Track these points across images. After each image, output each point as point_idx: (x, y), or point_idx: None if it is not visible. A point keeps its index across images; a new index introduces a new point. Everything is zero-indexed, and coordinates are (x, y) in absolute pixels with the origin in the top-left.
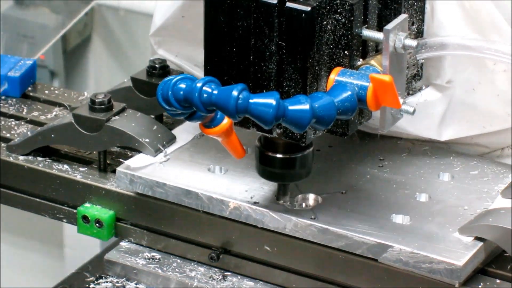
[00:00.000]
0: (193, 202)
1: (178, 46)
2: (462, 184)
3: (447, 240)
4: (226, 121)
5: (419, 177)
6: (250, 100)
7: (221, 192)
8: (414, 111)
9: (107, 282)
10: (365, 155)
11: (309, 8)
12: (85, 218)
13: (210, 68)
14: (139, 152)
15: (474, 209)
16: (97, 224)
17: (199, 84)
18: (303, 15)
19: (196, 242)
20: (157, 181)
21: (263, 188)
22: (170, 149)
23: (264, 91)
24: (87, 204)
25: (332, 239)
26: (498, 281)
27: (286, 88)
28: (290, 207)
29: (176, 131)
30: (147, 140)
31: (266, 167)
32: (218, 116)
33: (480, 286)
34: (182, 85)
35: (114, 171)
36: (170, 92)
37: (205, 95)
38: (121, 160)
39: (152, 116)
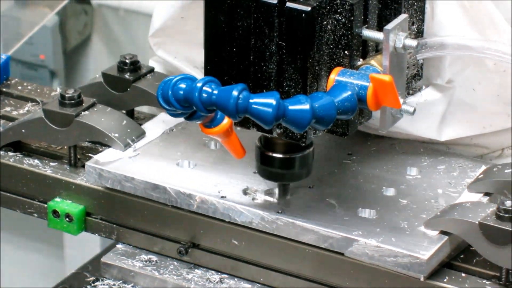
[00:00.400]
0: (161, 197)
1: (177, 47)
2: (429, 179)
3: (412, 234)
4: (226, 121)
5: (386, 172)
6: (250, 100)
7: (189, 186)
8: (414, 111)
9: (103, 284)
10: (334, 149)
11: (309, 8)
12: (55, 212)
13: (210, 68)
14: (109, 147)
15: (440, 203)
16: (67, 219)
17: (199, 84)
18: (303, 15)
19: (165, 236)
20: (126, 175)
21: (231, 182)
22: (139, 144)
23: (264, 91)
24: (57, 199)
25: (298, 233)
26: (463, 274)
27: (286, 88)
28: (257, 201)
29: (146, 126)
30: (116, 134)
31: (266, 167)
32: (218, 116)
33: (445, 280)
34: (182, 85)
35: (84, 166)
36: (170, 92)
37: (205, 95)
38: (91, 155)
39: (123, 112)
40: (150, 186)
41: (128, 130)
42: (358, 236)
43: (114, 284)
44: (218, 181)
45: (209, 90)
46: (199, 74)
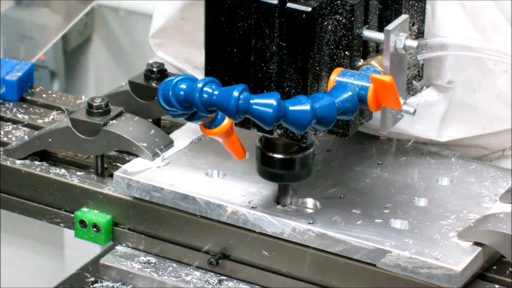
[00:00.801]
0: (191, 207)
1: (177, 48)
2: (461, 189)
3: (445, 245)
4: (226, 121)
5: (417, 181)
6: (251, 101)
7: (219, 196)
8: (414, 111)
9: (102, 286)
10: (364, 158)
11: (309, 9)
12: (82, 222)
13: (211, 68)
14: (137, 156)
15: (473, 214)
16: (94, 229)
17: (199, 85)
18: (304, 15)
19: (194, 247)
20: (154, 185)
21: (261, 192)
22: (167, 153)
23: (265, 91)
24: (84, 209)
25: (330, 244)
26: (496, 286)
27: (287, 89)
28: (288, 211)
29: (174, 135)
30: (144, 144)
31: (266, 168)
32: (218, 117)
33: None
34: (183, 86)
35: (111, 176)
36: (170, 93)
37: (205, 96)
38: (118, 164)
39: (150, 120)
40: (179, 197)
41: (156, 139)
42: (391, 247)
43: (113, 286)
44: (248, 191)
45: (210, 90)
46: (199, 74)
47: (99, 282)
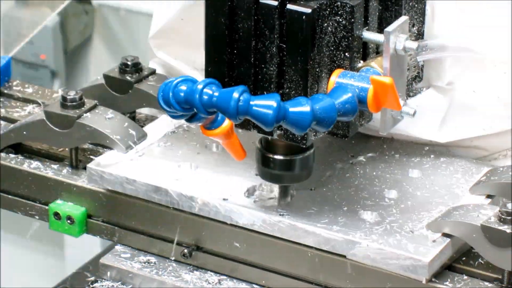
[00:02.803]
0: (163, 199)
1: (178, 49)
2: (431, 181)
3: (414, 236)
4: (226, 123)
5: (388, 174)
6: (251, 102)
7: (191, 188)
8: (414, 113)
9: (102, 286)
10: (336, 152)
11: (309, 10)
12: (56, 214)
13: (211, 70)
14: (110, 149)
15: (442, 206)
16: (68, 221)
17: (200, 86)
18: (304, 17)
19: (167, 239)
20: (127, 177)
21: (233, 184)
22: (141, 146)
23: (265, 93)
24: (58, 201)
25: (300, 235)
26: (465, 277)
27: (287, 90)
28: (258, 203)
29: (147, 128)
30: (118, 137)
31: (266, 169)
32: (218, 118)
33: (447, 282)
34: (183, 87)
35: (85, 168)
36: (171, 94)
37: (205, 97)
38: (92, 157)
39: (127, 114)
40: (151, 188)
41: (130, 132)
42: (360, 239)
43: (112, 286)
44: (220, 183)
45: (210, 92)
46: (199, 75)
47: (99, 281)
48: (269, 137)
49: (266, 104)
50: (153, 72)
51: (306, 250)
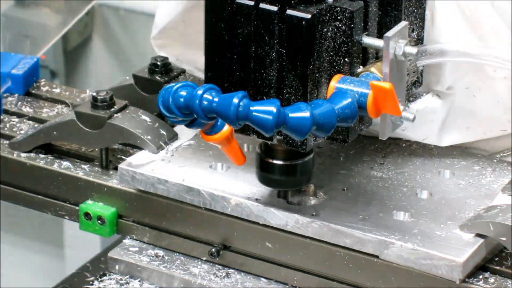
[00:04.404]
0: (195, 199)
1: (179, 49)
2: (463, 181)
3: (448, 237)
4: (226, 128)
5: (420, 175)
6: (251, 108)
7: (223, 189)
8: (414, 118)
9: (111, 279)
10: (366, 152)
11: (309, 16)
12: (87, 215)
13: (211, 75)
14: (141, 149)
15: (474, 206)
16: (99, 221)
17: (199, 92)
18: (304, 22)
19: (198, 239)
20: (159, 178)
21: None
22: (172, 146)
23: (265, 98)
24: (89, 201)
25: (333, 236)
26: (498, 277)
27: (287, 95)
28: (291, 204)
29: (178, 128)
30: (149, 137)
31: (266, 174)
32: (218, 123)
33: (480, 282)
34: (183, 93)
35: (116, 168)
36: (170, 99)
37: (205, 103)
38: (123, 157)
39: (154, 113)
40: (184, 189)
41: (161, 132)
42: (394, 239)
43: (121, 279)
44: (252, 183)
45: (210, 97)
46: (201, 75)
47: (107, 275)
48: (269, 142)
49: (266, 109)
50: (182, 72)
51: (338, 251)
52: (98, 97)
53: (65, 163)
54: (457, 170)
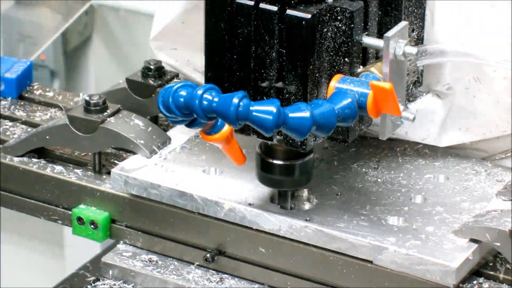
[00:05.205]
0: (188, 204)
1: (178, 51)
2: (457, 186)
3: (442, 242)
4: (226, 128)
5: (414, 179)
6: (251, 108)
7: (216, 193)
8: (414, 118)
9: (104, 284)
10: (360, 156)
11: (309, 16)
12: (80, 219)
13: (211, 75)
14: (134, 153)
15: (469, 211)
16: (92, 226)
17: (199, 92)
18: (304, 22)
19: (191, 244)
20: (152, 182)
21: (258, 189)
22: (165, 151)
23: (265, 98)
24: (82, 206)
25: (326, 241)
26: (493, 282)
27: (287, 95)
28: (284, 208)
29: (171, 133)
30: (141, 141)
31: (266, 174)
32: (218, 123)
33: None
34: (183, 92)
35: (109, 173)
36: (170, 99)
37: (205, 103)
38: (116, 161)
39: (148, 118)
40: (176, 193)
41: (154, 136)
42: (387, 244)
43: (114, 284)
44: (245, 187)
45: (210, 97)
46: (199, 77)
47: (100, 280)
48: (269, 142)
49: (266, 109)
50: (176, 76)
51: (332, 256)
52: (91, 101)
53: (58, 168)
54: (451, 174)
